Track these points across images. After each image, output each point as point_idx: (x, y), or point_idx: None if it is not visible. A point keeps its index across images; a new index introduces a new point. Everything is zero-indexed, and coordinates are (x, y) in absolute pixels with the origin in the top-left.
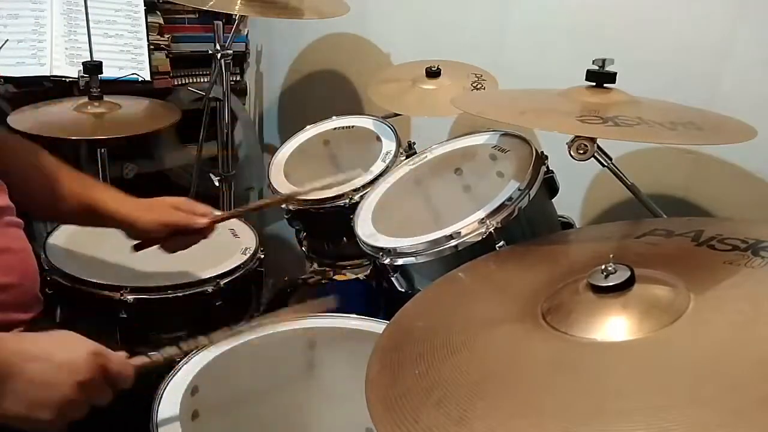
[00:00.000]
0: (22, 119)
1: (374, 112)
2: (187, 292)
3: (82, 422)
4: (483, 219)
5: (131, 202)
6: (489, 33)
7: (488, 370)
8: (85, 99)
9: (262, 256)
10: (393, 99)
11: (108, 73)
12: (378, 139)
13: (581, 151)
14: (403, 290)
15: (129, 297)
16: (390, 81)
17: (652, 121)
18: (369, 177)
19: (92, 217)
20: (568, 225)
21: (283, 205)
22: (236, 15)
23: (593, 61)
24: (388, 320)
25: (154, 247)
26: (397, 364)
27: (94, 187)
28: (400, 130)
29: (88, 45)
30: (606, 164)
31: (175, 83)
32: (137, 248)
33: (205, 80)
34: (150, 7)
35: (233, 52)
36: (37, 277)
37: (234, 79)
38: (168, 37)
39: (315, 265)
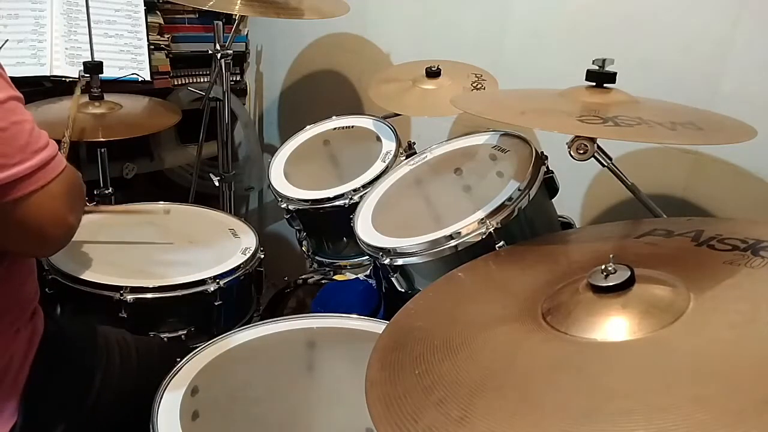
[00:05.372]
0: None
1: (374, 112)
2: (187, 292)
3: (83, 422)
4: (483, 219)
5: None
6: (489, 33)
7: (488, 370)
8: (86, 99)
9: (262, 256)
10: (393, 99)
11: (108, 73)
12: (378, 139)
13: (581, 151)
14: (403, 290)
15: (129, 297)
16: (390, 81)
17: (652, 121)
18: (369, 177)
19: None
20: (568, 225)
21: (284, 205)
22: (236, 15)
23: (593, 61)
24: (388, 320)
25: (154, 246)
26: (397, 364)
27: None
28: (400, 130)
29: (89, 45)
30: (606, 164)
31: (175, 83)
32: None
33: (205, 80)
34: (150, 7)
35: (233, 52)
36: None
37: (234, 79)
38: (168, 37)
39: (315, 265)
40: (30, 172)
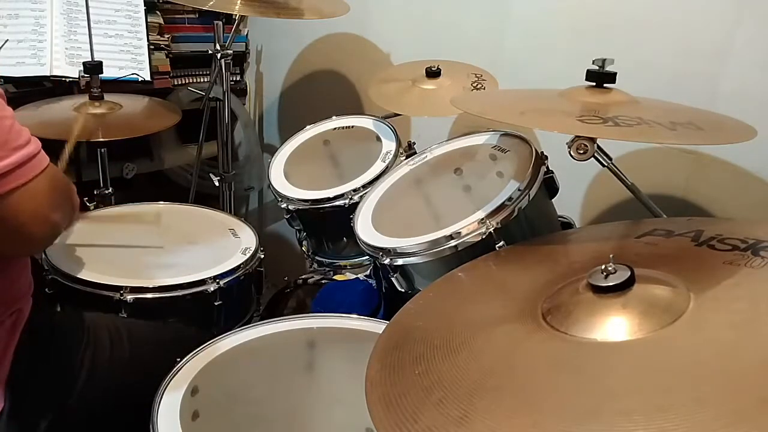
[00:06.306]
0: (22, 119)
1: (374, 112)
2: (187, 292)
3: (73, 408)
4: (483, 219)
5: None
6: (489, 33)
7: (488, 370)
8: (86, 99)
9: (262, 256)
10: (393, 99)
11: (108, 73)
12: (378, 139)
13: (581, 151)
14: (403, 290)
15: (128, 297)
16: (390, 81)
17: (652, 121)
18: (369, 177)
19: None
20: (568, 225)
21: (284, 205)
22: (236, 15)
23: (593, 61)
24: (388, 320)
25: (153, 246)
26: (397, 363)
27: None
28: (400, 130)
29: (89, 45)
30: (606, 164)
31: (175, 83)
32: None
33: (205, 80)
34: (150, 7)
35: (233, 52)
36: None
37: (234, 79)
38: (168, 37)
39: (315, 265)
40: (9, 169)
